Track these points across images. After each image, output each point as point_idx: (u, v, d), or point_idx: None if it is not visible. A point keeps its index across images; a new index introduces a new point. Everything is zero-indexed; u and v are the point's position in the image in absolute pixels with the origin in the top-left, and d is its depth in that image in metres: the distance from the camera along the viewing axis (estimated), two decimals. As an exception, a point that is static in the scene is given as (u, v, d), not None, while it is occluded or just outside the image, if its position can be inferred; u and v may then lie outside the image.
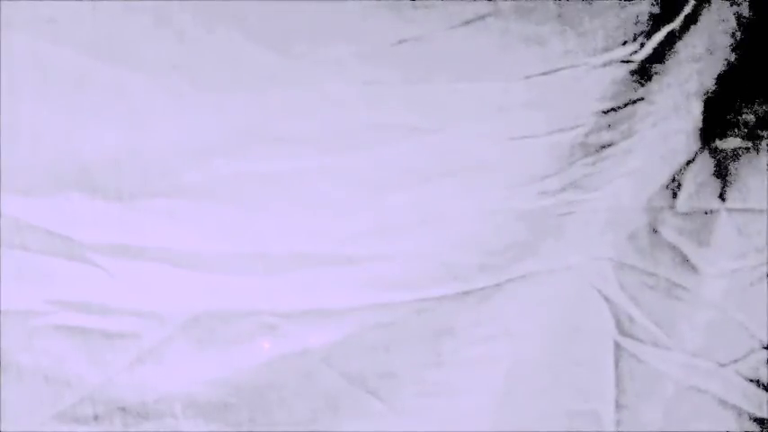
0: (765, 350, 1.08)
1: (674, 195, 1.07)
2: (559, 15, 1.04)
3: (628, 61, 1.04)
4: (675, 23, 1.05)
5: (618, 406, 1.08)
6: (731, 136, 1.08)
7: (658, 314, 1.08)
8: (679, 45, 1.06)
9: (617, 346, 1.08)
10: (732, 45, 1.06)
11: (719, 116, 1.07)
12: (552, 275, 1.07)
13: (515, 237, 1.06)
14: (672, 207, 1.08)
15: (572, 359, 1.08)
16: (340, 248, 1.05)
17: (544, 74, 1.04)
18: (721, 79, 1.06)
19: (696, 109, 1.06)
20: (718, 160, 1.08)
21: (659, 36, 1.05)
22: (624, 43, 1.04)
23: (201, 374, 1.05)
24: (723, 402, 1.08)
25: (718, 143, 1.08)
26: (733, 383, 1.08)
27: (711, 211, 1.08)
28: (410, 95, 1.04)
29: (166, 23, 1.01)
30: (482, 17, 1.03)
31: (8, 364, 1.03)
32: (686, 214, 1.08)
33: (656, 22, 1.05)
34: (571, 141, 1.05)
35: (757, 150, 1.08)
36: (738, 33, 1.06)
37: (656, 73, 1.06)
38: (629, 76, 1.05)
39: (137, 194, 1.03)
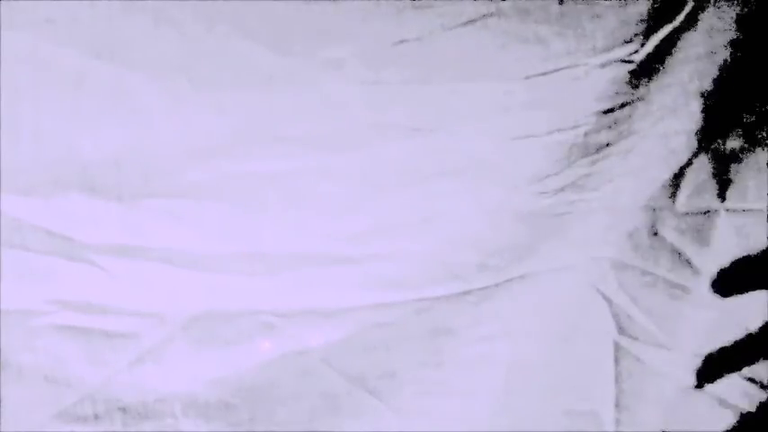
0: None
1: (674, 195, 1.07)
2: (560, 15, 1.04)
3: (627, 61, 1.04)
4: (675, 23, 1.05)
5: (618, 406, 1.08)
6: (731, 136, 1.08)
7: (658, 314, 1.08)
8: (679, 45, 1.06)
9: (617, 346, 1.08)
10: (732, 45, 1.06)
11: (719, 116, 1.07)
12: (552, 275, 1.07)
13: (515, 237, 1.07)
14: (671, 207, 1.08)
15: (572, 359, 1.08)
16: (340, 248, 1.05)
17: (544, 74, 1.04)
18: (721, 79, 1.06)
19: (696, 109, 1.06)
20: (718, 160, 1.08)
21: (659, 36, 1.05)
22: (624, 43, 1.04)
23: (201, 374, 1.05)
24: (723, 402, 1.08)
25: (718, 143, 1.08)
26: (733, 383, 1.08)
27: (711, 211, 1.08)
28: (410, 95, 1.04)
29: (166, 23, 1.01)
30: (482, 17, 1.03)
31: (8, 363, 1.03)
32: (686, 214, 1.08)
33: (656, 22, 1.05)
34: (571, 141, 1.05)
35: (757, 150, 1.08)
36: (738, 33, 1.06)
37: (655, 73, 1.06)
38: (629, 77, 1.05)
39: (137, 194, 1.03)
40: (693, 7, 1.05)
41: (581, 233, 1.07)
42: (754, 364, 1.05)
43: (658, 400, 1.08)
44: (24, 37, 1.00)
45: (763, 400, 1.08)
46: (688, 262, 1.08)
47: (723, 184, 1.08)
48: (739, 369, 1.05)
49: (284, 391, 1.06)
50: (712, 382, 1.05)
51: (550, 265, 1.07)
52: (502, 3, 1.03)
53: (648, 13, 1.04)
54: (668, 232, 1.08)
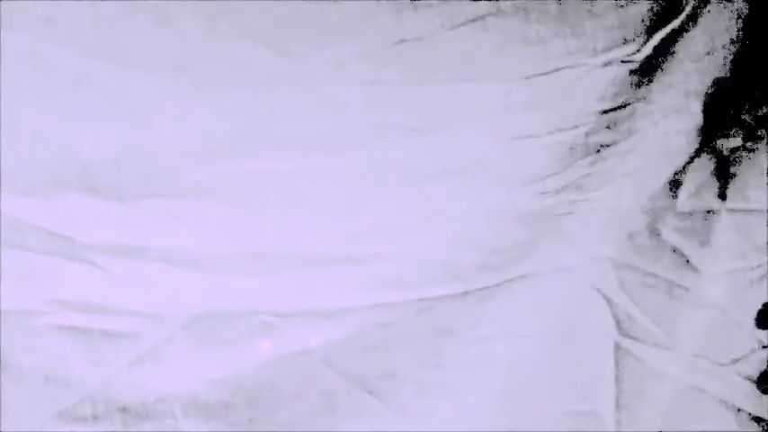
0: (765, 350, 1.08)
1: (675, 195, 1.07)
2: (559, 15, 1.04)
3: (628, 61, 1.04)
4: (675, 23, 1.05)
5: (618, 406, 1.08)
6: (731, 136, 1.08)
7: (658, 314, 1.08)
8: (679, 45, 1.06)
9: (617, 346, 1.08)
10: (732, 45, 1.06)
11: (719, 116, 1.07)
12: (552, 275, 1.07)
13: (515, 237, 1.07)
14: (672, 207, 1.08)
15: (572, 359, 1.08)
16: (340, 248, 1.05)
17: (544, 74, 1.04)
18: (721, 79, 1.06)
19: (696, 109, 1.06)
20: (718, 160, 1.08)
21: (659, 36, 1.05)
22: (624, 43, 1.04)
23: (201, 374, 1.05)
24: (723, 402, 1.08)
25: (718, 143, 1.08)
26: (733, 383, 1.08)
27: (712, 211, 1.08)
28: (410, 95, 1.04)
29: (166, 23, 1.00)
30: (482, 17, 1.03)
31: (8, 364, 1.03)
32: (686, 214, 1.08)
33: (657, 21, 1.05)
34: (571, 141, 1.05)
35: (757, 150, 1.08)
36: (738, 33, 1.06)
37: (656, 73, 1.06)
38: (630, 76, 1.05)
39: (137, 194, 1.03)
40: (693, 7, 1.05)
41: (581, 233, 1.07)
42: None
43: (658, 400, 1.08)
44: (24, 37, 1.00)
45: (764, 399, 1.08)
46: (688, 262, 1.08)
47: (724, 183, 1.08)
48: None
49: (284, 391, 1.06)
50: None
51: (550, 265, 1.07)
52: (502, 3, 1.03)
53: (648, 13, 1.04)
54: (669, 232, 1.08)
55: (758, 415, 1.08)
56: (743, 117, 1.08)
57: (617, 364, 1.08)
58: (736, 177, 1.08)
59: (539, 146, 1.05)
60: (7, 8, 0.99)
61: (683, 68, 1.06)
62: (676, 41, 1.06)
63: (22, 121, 1.01)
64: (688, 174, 1.07)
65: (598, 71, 1.04)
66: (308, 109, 1.03)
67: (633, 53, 1.04)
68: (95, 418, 1.04)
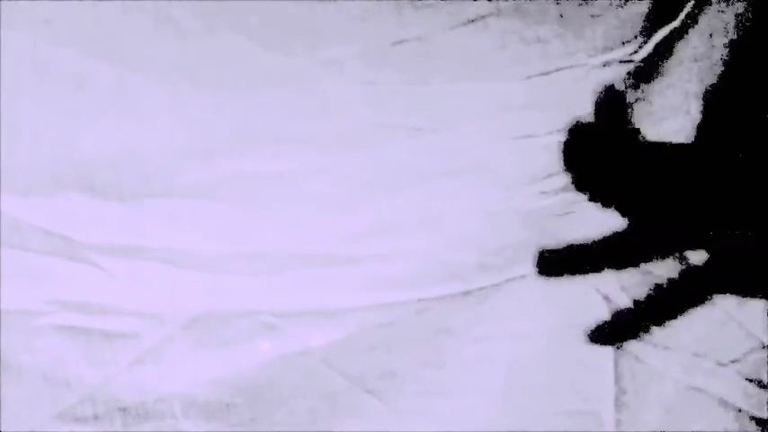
0: (765, 350, 1.08)
1: (674, 195, 1.08)
2: (559, 16, 1.04)
3: (627, 61, 1.04)
4: (675, 23, 1.05)
5: (618, 406, 1.08)
6: (731, 137, 1.08)
7: (658, 314, 1.08)
8: (679, 45, 1.06)
9: (617, 345, 1.08)
10: (732, 45, 1.06)
11: (719, 116, 1.07)
12: (552, 275, 1.07)
13: (515, 237, 1.06)
14: (672, 207, 1.08)
15: (572, 359, 1.08)
16: (340, 248, 1.05)
17: (544, 74, 1.04)
18: (721, 80, 1.06)
19: (696, 109, 1.06)
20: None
21: (659, 36, 1.05)
22: (624, 43, 1.04)
23: (201, 374, 1.05)
24: (723, 402, 1.08)
25: (718, 143, 1.08)
26: (733, 383, 1.08)
27: (711, 211, 1.08)
28: (410, 95, 1.04)
29: (166, 23, 1.01)
30: (482, 17, 1.03)
31: (8, 364, 1.03)
32: (686, 214, 1.08)
33: (656, 22, 1.05)
34: (571, 141, 1.05)
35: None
36: (738, 34, 1.06)
37: (655, 73, 1.06)
38: (629, 77, 1.05)
39: (137, 194, 1.03)
40: (693, 7, 1.05)
41: (581, 233, 1.07)
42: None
43: (658, 400, 1.08)
44: (24, 37, 1.00)
45: (764, 399, 1.08)
46: (689, 261, 1.08)
47: (723, 184, 1.08)
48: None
49: (284, 391, 1.06)
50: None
51: (550, 265, 1.07)
52: (502, 3, 1.03)
53: (648, 13, 1.04)
54: (668, 232, 1.08)
55: (758, 415, 1.08)
56: (743, 117, 1.08)
57: (617, 364, 1.08)
58: (736, 177, 1.08)
59: (539, 146, 1.05)
60: (7, 8, 0.99)
61: (682, 69, 1.06)
62: (676, 41, 1.06)
63: (22, 121, 1.01)
64: (688, 173, 1.07)
65: (598, 71, 1.04)
66: (308, 109, 1.03)
67: (633, 53, 1.04)
68: (95, 418, 1.04)
